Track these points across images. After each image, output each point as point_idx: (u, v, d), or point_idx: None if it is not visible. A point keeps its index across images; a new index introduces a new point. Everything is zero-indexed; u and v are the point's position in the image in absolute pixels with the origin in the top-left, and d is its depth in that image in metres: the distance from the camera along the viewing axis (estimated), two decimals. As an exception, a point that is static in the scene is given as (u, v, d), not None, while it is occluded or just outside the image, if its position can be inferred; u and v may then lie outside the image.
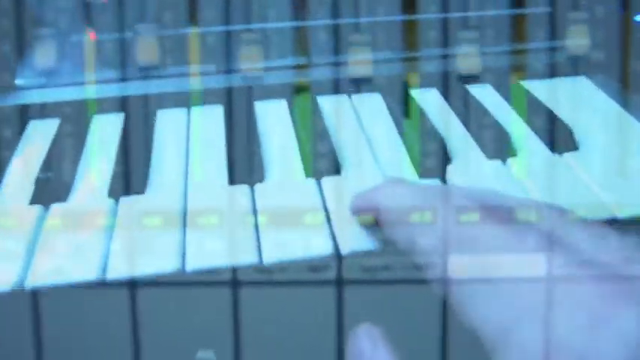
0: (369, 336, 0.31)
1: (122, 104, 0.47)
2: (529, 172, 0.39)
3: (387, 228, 0.33)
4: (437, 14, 0.51)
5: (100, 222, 0.35)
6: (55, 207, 0.37)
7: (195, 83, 0.48)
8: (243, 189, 0.38)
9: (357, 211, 0.36)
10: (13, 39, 0.49)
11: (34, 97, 0.47)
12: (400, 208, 0.33)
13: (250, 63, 0.49)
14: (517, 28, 0.53)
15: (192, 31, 0.50)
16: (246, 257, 0.33)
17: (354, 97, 0.48)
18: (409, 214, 0.32)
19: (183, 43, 0.50)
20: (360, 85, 0.49)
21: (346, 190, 0.36)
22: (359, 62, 0.50)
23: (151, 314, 0.31)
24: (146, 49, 0.49)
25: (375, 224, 0.34)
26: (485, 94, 0.48)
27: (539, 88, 0.49)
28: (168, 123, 0.46)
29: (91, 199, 0.38)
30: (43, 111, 0.46)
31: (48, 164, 0.41)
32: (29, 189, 0.38)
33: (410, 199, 0.33)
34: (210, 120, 0.46)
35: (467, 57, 0.51)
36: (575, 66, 0.52)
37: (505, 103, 0.48)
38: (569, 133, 0.43)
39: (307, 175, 0.40)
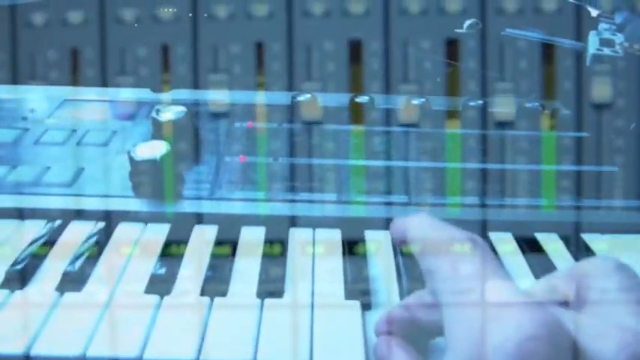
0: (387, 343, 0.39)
1: (265, 220, 0.60)
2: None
3: (426, 256, 0.38)
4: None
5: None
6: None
7: (322, 209, 0.61)
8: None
9: (396, 239, 0.42)
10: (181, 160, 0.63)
11: (197, 206, 0.61)
12: (441, 237, 0.37)
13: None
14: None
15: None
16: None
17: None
18: (450, 243, 0.36)
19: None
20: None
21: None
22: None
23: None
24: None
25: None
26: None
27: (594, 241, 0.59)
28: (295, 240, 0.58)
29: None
30: (203, 218, 0.60)
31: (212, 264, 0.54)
32: (199, 283, 0.52)
33: (446, 231, 0.38)
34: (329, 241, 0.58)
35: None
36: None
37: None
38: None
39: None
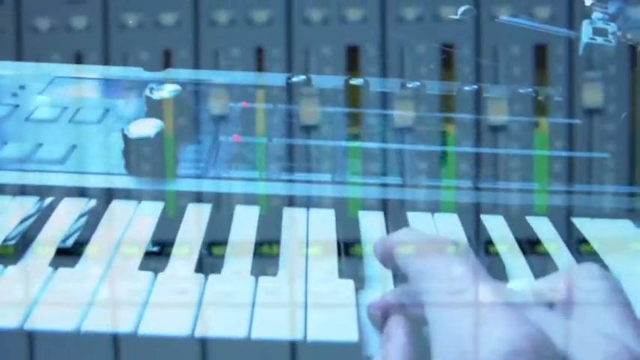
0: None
1: (259, 199, 0.60)
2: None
3: (414, 262, 0.38)
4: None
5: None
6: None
7: (316, 189, 0.61)
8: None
9: (378, 256, 0.42)
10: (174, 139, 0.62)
11: (190, 185, 0.61)
12: (428, 242, 0.38)
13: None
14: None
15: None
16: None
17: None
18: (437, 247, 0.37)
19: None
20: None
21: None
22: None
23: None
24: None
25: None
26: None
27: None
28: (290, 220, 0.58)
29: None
30: (198, 197, 0.60)
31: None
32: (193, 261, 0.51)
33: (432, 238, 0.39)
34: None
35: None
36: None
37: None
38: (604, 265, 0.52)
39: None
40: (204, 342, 0.43)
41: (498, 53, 0.76)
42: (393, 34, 0.73)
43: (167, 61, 0.75)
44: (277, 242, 0.54)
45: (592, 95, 0.70)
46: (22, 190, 0.59)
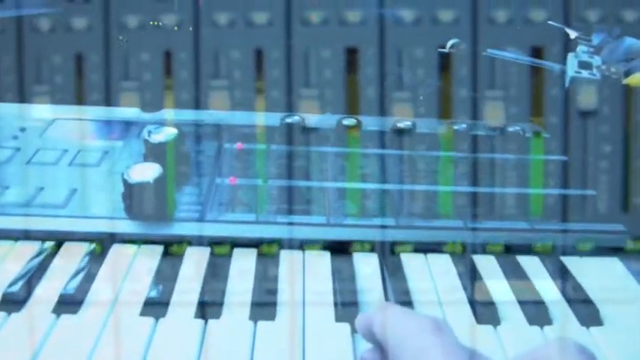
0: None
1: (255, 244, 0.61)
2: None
3: (393, 349, 0.37)
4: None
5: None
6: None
7: (312, 232, 0.62)
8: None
9: (360, 332, 0.42)
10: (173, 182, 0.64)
11: (189, 229, 0.62)
12: (407, 327, 0.37)
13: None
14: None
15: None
16: None
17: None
18: (416, 334, 0.36)
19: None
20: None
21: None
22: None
23: None
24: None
25: None
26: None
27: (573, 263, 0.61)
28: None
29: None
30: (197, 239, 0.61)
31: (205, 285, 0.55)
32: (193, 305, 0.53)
33: (412, 321, 0.38)
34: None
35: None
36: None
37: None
38: (596, 309, 0.54)
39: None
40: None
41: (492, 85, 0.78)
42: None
43: (167, 64, 0.75)
44: (275, 290, 0.55)
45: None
46: (25, 235, 0.60)
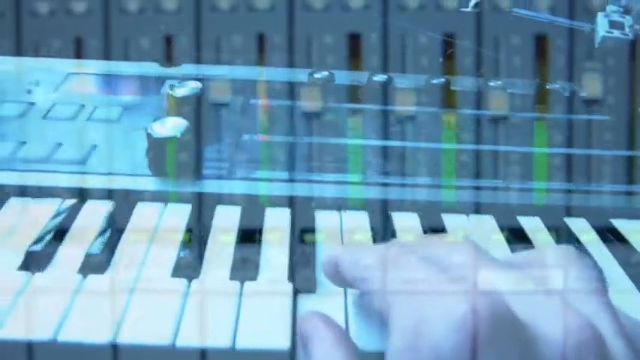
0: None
1: (289, 201, 0.58)
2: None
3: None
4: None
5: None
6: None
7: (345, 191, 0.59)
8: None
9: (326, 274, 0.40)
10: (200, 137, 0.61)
11: (216, 186, 0.59)
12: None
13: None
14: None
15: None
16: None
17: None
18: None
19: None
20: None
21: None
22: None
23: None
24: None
25: None
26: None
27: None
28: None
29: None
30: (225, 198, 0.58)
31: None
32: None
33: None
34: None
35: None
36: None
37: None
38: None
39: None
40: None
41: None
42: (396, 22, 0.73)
43: (168, 49, 0.73)
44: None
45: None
46: (44, 192, 0.57)
